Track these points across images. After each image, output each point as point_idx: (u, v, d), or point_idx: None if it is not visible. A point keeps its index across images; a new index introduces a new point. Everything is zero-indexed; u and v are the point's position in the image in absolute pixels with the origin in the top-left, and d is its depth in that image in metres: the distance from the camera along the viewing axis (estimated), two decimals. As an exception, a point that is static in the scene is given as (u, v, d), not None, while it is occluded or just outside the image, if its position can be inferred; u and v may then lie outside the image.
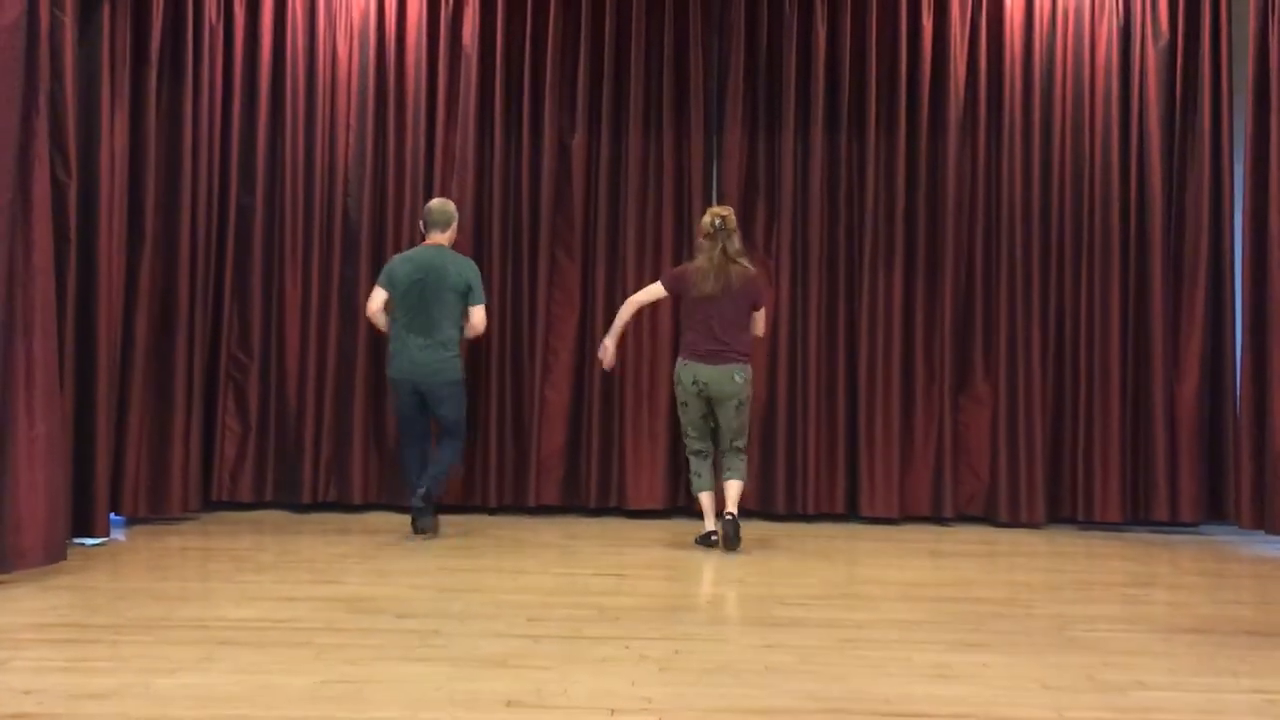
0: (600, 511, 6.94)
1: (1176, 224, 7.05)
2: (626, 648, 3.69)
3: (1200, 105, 6.99)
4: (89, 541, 5.50)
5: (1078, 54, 7.09)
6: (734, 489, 5.79)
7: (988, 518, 6.98)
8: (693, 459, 5.94)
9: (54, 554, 4.75)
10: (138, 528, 6.12)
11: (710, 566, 5.32)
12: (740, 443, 5.85)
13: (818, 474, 6.96)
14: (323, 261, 7.01)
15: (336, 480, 6.95)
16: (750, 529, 6.50)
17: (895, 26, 7.08)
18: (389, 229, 7.07)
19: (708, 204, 7.11)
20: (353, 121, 7.09)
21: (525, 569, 5.19)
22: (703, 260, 5.83)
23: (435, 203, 6.25)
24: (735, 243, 5.85)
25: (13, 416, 4.58)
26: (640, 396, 7.01)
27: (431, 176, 7.10)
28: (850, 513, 6.97)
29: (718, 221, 5.82)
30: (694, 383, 5.76)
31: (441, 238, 6.17)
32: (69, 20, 5.11)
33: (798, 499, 6.93)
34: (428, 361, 5.98)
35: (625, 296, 6.85)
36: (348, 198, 7.07)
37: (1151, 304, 6.96)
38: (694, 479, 5.93)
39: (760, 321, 5.99)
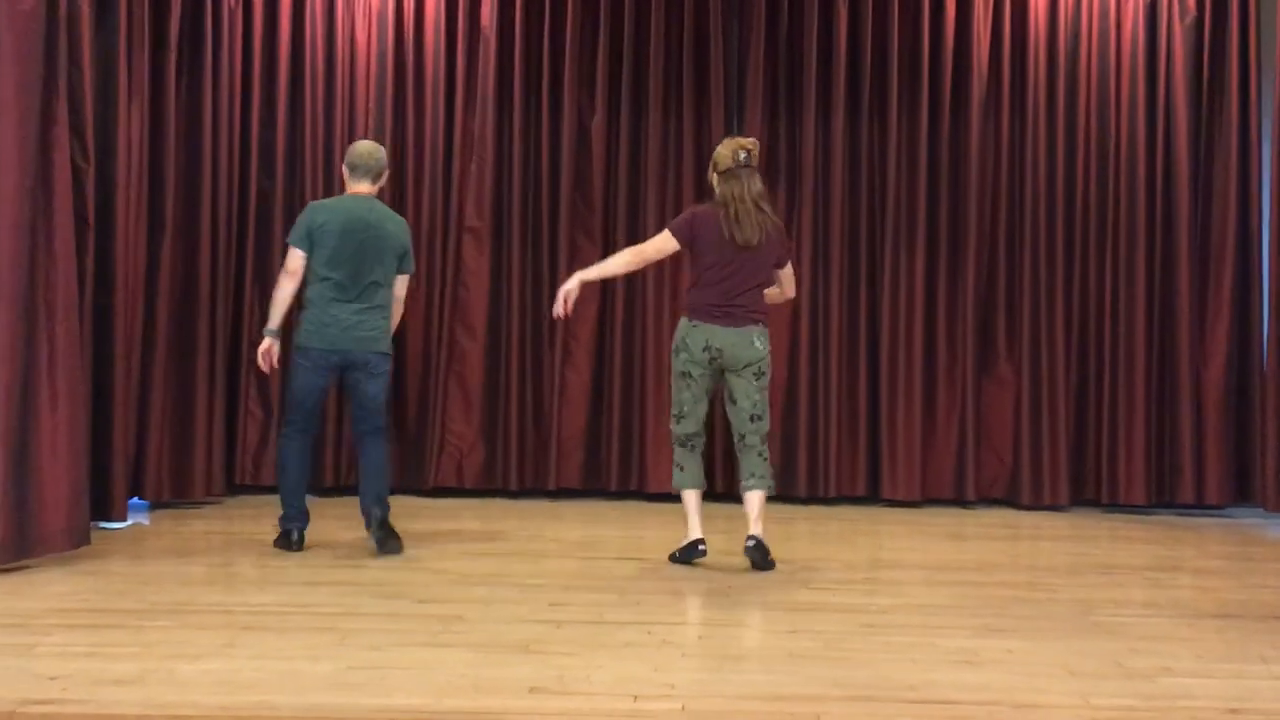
0: (621, 494, 6.93)
1: (1203, 203, 6.97)
2: (649, 633, 3.68)
3: (1228, 83, 6.91)
4: (111, 525, 5.52)
5: (1103, 32, 7.00)
6: (757, 502, 4.76)
7: (1010, 500, 6.94)
8: (678, 449, 4.90)
9: (77, 538, 4.77)
10: (161, 511, 6.15)
11: (733, 551, 5.30)
12: (762, 430, 4.86)
13: (839, 456, 6.93)
14: (342, 245, 7.00)
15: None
16: (770, 511, 6.48)
17: (918, 5, 7.01)
18: (409, 212, 7.04)
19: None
20: (371, 105, 7.07)
21: (547, 553, 5.18)
22: (730, 203, 4.74)
23: (364, 145, 5.27)
24: (758, 183, 4.82)
25: (35, 401, 4.59)
26: (662, 378, 6.98)
27: (451, 159, 7.08)
28: (872, 495, 6.95)
29: (742, 155, 4.77)
30: (705, 349, 4.74)
31: (371, 188, 5.17)
32: (87, 5, 5.10)
33: (819, 481, 6.91)
34: (363, 329, 5.00)
35: (645, 278, 6.82)
36: (367, 181, 7.05)
37: (1178, 284, 6.89)
38: (675, 472, 4.90)
39: (790, 280, 5.06)
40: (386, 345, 5.11)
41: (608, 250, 7.03)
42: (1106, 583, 4.75)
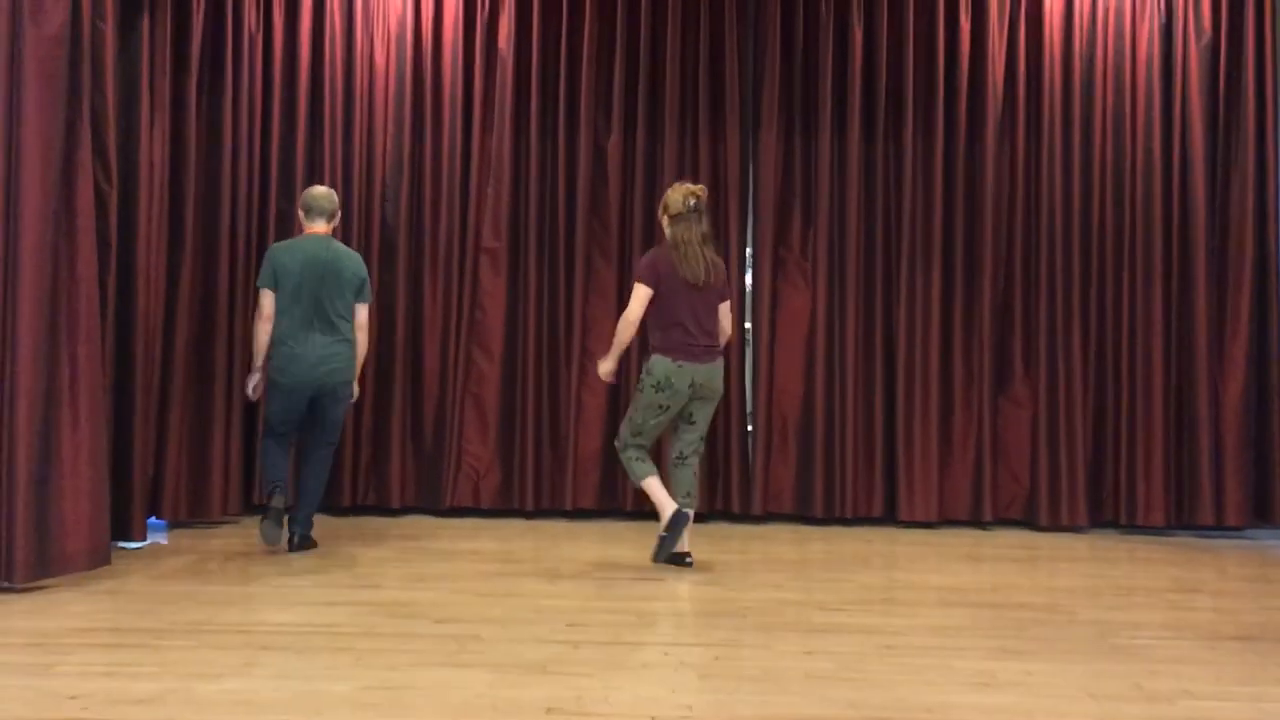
0: (637, 515, 6.93)
1: (1220, 223, 6.96)
2: (666, 654, 3.68)
3: (1244, 104, 6.90)
4: (130, 545, 5.55)
5: (1118, 53, 7.01)
6: (689, 519, 5.21)
7: (1028, 522, 6.92)
8: (633, 451, 5.33)
9: (97, 558, 4.80)
10: (179, 531, 6.18)
11: (748, 572, 5.29)
12: (702, 448, 5.40)
13: (855, 477, 6.92)
14: (360, 266, 7.03)
15: (375, 483, 6.99)
16: (787, 532, 6.49)
17: (933, 26, 7.03)
18: (426, 233, 7.09)
19: (744, 206, 7.10)
20: (390, 127, 7.12)
21: (563, 574, 5.19)
22: (679, 245, 5.22)
23: (320, 190, 5.69)
24: (705, 225, 5.29)
25: (57, 422, 4.63)
26: (677, 400, 7.00)
27: (468, 180, 7.12)
28: (888, 516, 6.92)
29: (692, 201, 5.24)
30: (691, 385, 5.22)
31: (326, 227, 5.63)
32: (110, 29, 5.17)
33: (835, 502, 6.89)
34: (331, 362, 5.46)
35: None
36: (385, 203, 7.10)
37: (1195, 304, 6.87)
38: (636, 466, 5.30)
39: (728, 317, 5.42)
40: (352, 374, 5.59)
41: (623, 271, 7.06)
42: (1125, 605, 4.72)
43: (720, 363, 5.34)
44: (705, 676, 3.43)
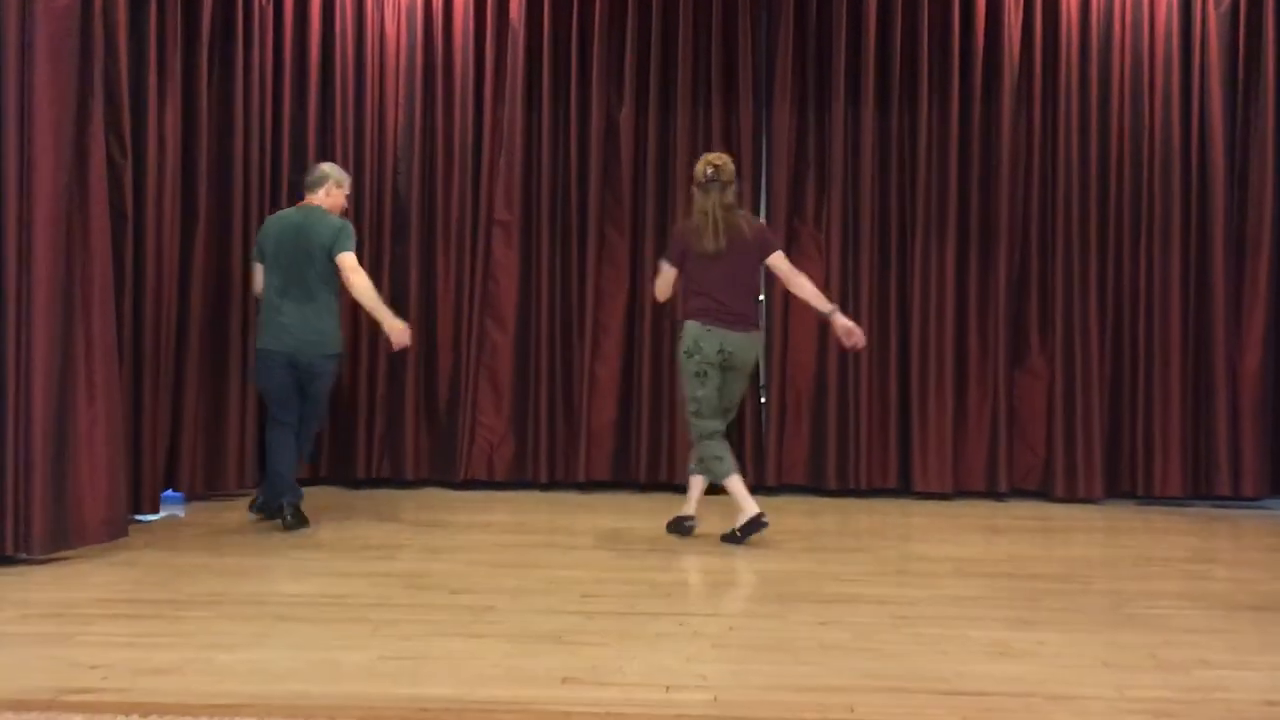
0: (650, 487, 6.94)
1: (1239, 193, 6.90)
2: (680, 624, 3.68)
3: (1264, 71, 6.83)
4: (146, 518, 5.59)
5: (1136, 19, 6.93)
6: (701, 487, 5.30)
7: (1044, 493, 6.90)
8: (709, 442, 5.19)
9: (115, 530, 4.83)
10: (195, 504, 6.21)
11: (761, 543, 5.29)
12: (730, 418, 5.37)
13: (870, 449, 6.91)
14: (373, 238, 7.04)
15: (389, 456, 7.01)
16: (801, 504, 6.49)
17: (948, -6, 6.96)
18: (438, 206, 7.08)
19: (757, 178, 7.07)
20: (401, 99, 7.10)
21: (577, 545, 5.20)
22: (698, 216, 5.21)
23: (320, 165, 5.78)
24: (730, 195, 5.20)
25: (73, 395, 4.65)
26: (690, 372, 6.98)
27: (480, 153, 7.10)
28: (903, 488, 6.92)
29: (710, 171, 5.17)
30: (719, 350, 5.12)
31: (313, 198, 5.59)
32: (122, 2, 5.15)
33: (849, 474, 6.88)
34: (307, 332, 5.37)
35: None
36: (397, 175, 7.09)
37: (1213, 275, 6.82)
38: (715, 464, 5.17)
39: (786, 271, 5.30)
40: (331, 346, 5.48)
41: (636, 242, 7.05)
42: (1141, 575, 4.71)
43: (755, 336, 5.28)
44: (720, 646, 3.44)
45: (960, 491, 6.90)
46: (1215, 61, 6.85)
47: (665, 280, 5.38)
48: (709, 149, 6.98)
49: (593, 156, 7.04)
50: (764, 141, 7.11)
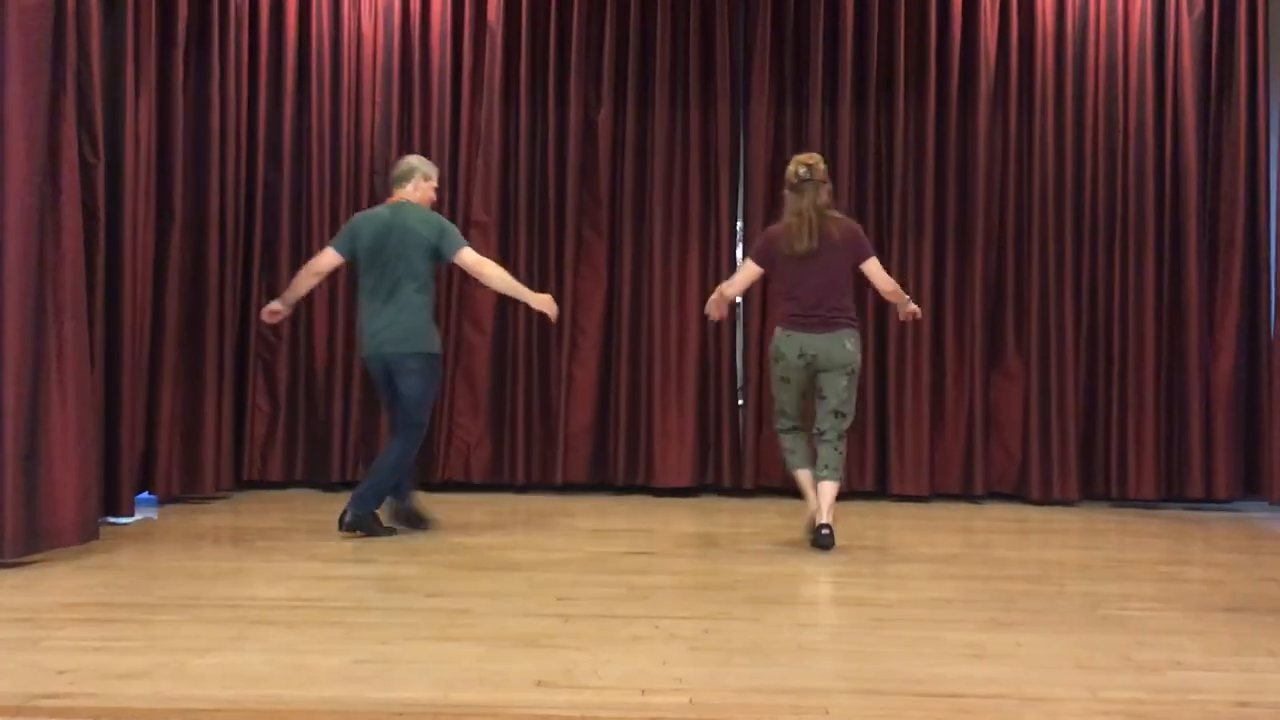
0: (628, 489, 6.93)
1: (1212, 197, 6.95)
2: (656, 627, 3.68)
3: (1236, 76, 6.88)
4: (120, 521, 5.54)
5: (1111, 25, 6.98)
6: (830, 493, 5.12)
7: (1019, 495, 6.93)
8: (784, 437, 5.33)
9: (86, 533, 4.78)
10: (170, 507, 6.16)
11: (739, 545, 5.29)
12: (840, 426, 5.16)
13: (846, 451, 6.89)
14: (350, 240, 6.99)
15: (365, 459, 6.97)
16: (779, 506, 6.49)
17: (925, -3, 6.98)
18: (415, 207, 7.05)
19: (735, 178, 7.08)
20: (378, 98, 7.07)
21: (554, 547, 5.18)
22: (791, 217, 5.12)
23: (406, 158, 5.57)
24: (824, 195, 5.11)
25: (45, 398, 4.60)
26: (669, 372, 6.99)
27: (457, 152, 7.07)
28: (879, 490, 6.93)
29: (803, 171, 5.08)
30: (800, 355, 5.09)
31: (401, 193, 5.39)
32: (95, 1, 5.11)
33: (827, 476, 6.88)
34: (391, 332, 5.22)
35: (653, 272, 6.88)
36: (374, 175, 7.06)
37: (1186, 278, 6.87)
38: (788, 457, 5.32)
39: (877, 274, 5.24)
40: (417, 345, 5.23)
41: (614, 243, 7.04)
42: (1116, 576, 4.73)
43: (842, 334, 5.11)
44: (696, 649, 3.43)
45: (936, 494, 6.92)
46: (1188, 66, 6.90)
47: (745, 276, 5.35)
48: (687, 148, 7.01)
49: (570, 157, 7.03)
50: (741, 141, 7.12)
